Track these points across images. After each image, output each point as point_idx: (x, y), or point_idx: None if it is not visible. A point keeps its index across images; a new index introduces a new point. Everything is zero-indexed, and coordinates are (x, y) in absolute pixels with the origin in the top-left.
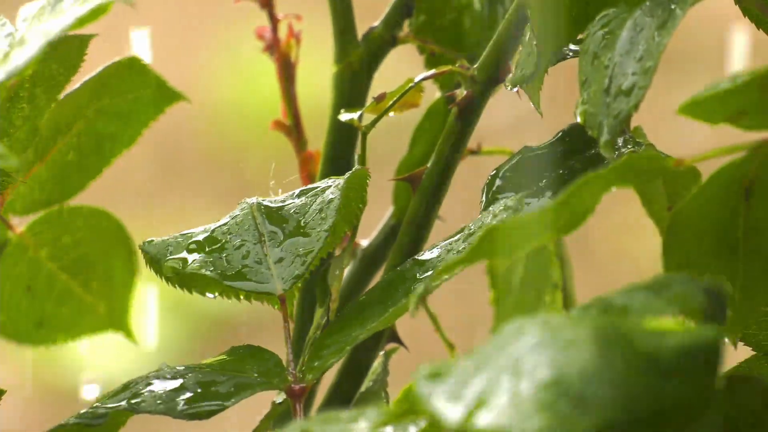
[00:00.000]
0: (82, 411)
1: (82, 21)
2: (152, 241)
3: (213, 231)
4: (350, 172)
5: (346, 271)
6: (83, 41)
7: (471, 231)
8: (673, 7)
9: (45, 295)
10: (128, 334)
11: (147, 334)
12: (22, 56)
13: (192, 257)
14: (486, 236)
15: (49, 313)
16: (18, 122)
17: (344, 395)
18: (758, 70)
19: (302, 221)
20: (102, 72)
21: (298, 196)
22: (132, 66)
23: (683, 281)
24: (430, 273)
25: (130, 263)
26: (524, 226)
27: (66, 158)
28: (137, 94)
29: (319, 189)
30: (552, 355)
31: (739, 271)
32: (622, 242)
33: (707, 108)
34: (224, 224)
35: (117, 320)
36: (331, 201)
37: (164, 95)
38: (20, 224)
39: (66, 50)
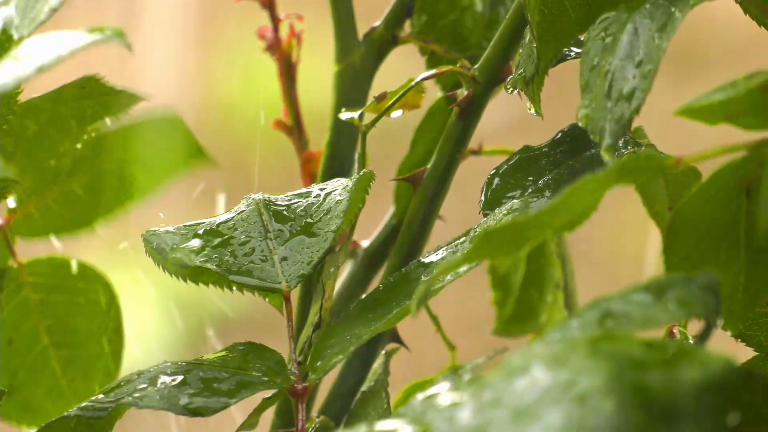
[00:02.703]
0: (83, 404)
1: (74, 53)
2: (155, 231)
3: (218, 225)
4: (358, 174)
5: (347, 271)
6: (133, 100)
7: (477, 233)
8: (672, 9)
9: (23, 355)
10: None
11: (146, 333)
12: (12, 75)
13: (197, 250)
14: (485, 237)
15: (20, 382)
16: (46, 145)
17: (345, 395)
18: (758, 77)
19: (309, 221)
20: (140, 123)
21: (305, 195)
22: (170, 122)
23: (681, 283)
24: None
25: (116, 353)
26: (522, 227)
27: (82, 193)
28: (168, 149)
29: (326, 190)
30: (567, 409)
31: (740, 269)
32: (622, 242)
33: (705, 112)
34: (229, 219)
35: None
36: (339, 202)
37: (195, 155)
38: (24, 251)
39: (112, 98)
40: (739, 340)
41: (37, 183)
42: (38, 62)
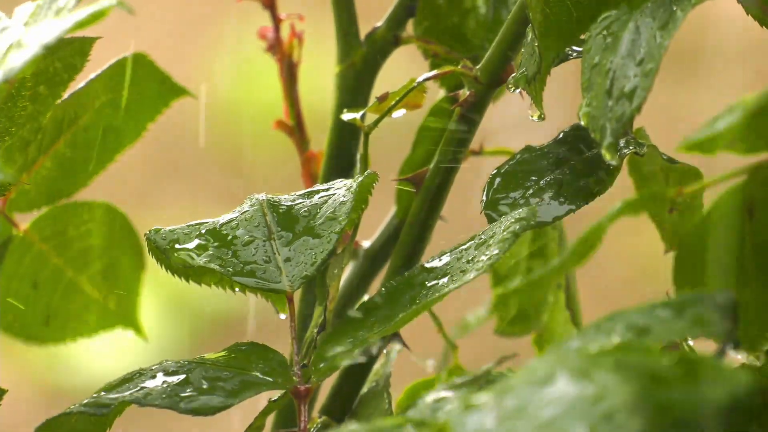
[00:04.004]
0: (85, 400)
1: (80, 25)
2: (159, 230)
3: (222, 225)
4: (361, 175)
5: (349, 271)
6: (87, 43)
7: (482, 240)
8: (674, 8)
9: (51, 291)
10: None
11: (147, 333)
12: (19, 59)
13: (200, 250)
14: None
15: (55, 309)
16: (21, 120)
17: (346, 395)
18: (748, 102)
19: (313, 222)
20: (108, 68)
21: (308, 196)
22: (138, 62)
23: (701, 301)
24: (438, 279)
25: (137, 256)
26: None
27: (70, 152)
28: (142, 88)
29: (330, 191)
30: (593, 426)
31: (749, 289)
32: (622, 243)
33: (705, 145)
34: (233, 219)
35: (125, 315)
36: (342, 204)
37: (169, 90)
38: (24, 221)
39: (69, 51)
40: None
41: (26, 159)
42: (42, 40)
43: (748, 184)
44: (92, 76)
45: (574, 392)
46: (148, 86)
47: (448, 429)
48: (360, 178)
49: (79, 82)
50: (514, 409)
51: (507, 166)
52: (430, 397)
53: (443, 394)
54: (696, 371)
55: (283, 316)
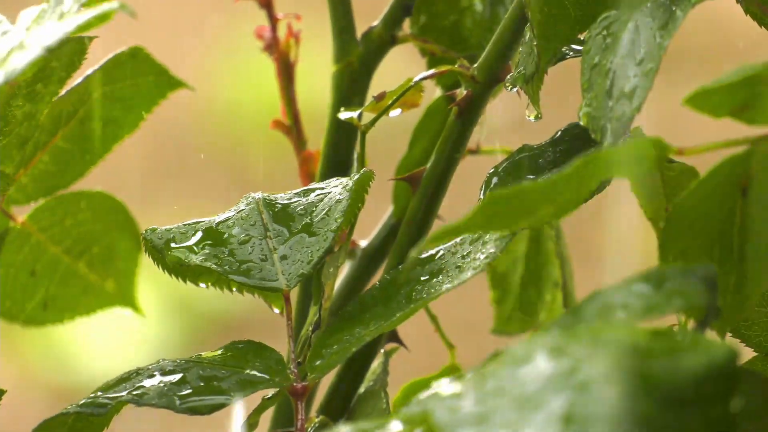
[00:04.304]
0: (83, 400)
1: (82, 28)
2: (155, 229)
3: (218, 224)
4: (359, 173)
5: (346, 271)
6: (84, 43)
7: (478, 235)
8: (674, 8)
9: (49, 278)
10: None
11: (145, 334)
12: (21, 60)
13: (196, 249)
14: (486, 204)
15: (53, 295)
16: (19, 118)
17: (344, 395)
18: (765, 65)
19: (309, 220)
20: (105, 63)
21: (305, 194)
22: (135, 55)
23: (680, 274)
24: (434, 276)
25: (133, 239)
26: (525, 196)
27: (67, 145)
28: (139, 81)
29: (326, 189)
30: (569, 397)
31: (732, 268)
32: (621, 242)
33: (712, 101)
34: (229, 218)
35: (123, 295)
36: (339, 202)
37: (166, 82)
38: (21, 213)
39: (67, 50)
40: (740, 340)
41: (23, 155)
42: (44, 42)
43: (747, 157)
44: (89, 71)
45: (551, 367)
46: (145, 78)
47: (429, 418)
48: (356, 176)
49: (76, 79)
50: (493, 389)
51: (504, 165)
52: (422, 396)
53: (434, 390)
54: (674, 342)
55: (276, 310)
